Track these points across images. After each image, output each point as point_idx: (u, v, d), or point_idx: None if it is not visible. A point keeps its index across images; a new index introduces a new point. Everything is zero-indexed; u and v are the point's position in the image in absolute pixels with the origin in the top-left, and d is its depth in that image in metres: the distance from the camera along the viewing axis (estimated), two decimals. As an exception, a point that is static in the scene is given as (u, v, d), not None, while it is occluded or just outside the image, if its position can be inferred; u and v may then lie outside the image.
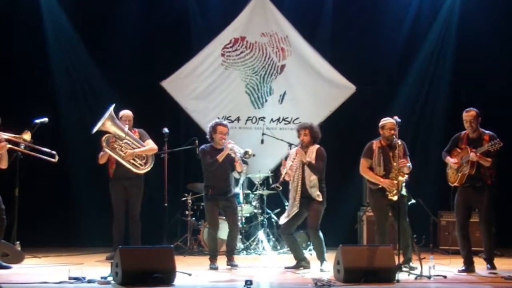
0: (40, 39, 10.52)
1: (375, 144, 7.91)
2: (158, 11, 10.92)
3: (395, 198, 7.56)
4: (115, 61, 10.75)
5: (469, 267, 7.72)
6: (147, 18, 10.92)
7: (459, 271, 7.67)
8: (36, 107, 9.35)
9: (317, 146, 8.09)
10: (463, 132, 7.92)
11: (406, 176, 7.71)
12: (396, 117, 7.63)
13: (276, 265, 8.45)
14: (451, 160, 7.87)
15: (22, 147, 8.15)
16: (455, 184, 7.87)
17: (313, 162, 7.92)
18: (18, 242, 8.83)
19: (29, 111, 9.04)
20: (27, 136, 8.00)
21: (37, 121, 8.34)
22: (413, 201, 8.49)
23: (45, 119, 8.44)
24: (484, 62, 10.75)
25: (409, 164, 7.73)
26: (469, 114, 7.79)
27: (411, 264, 7.70)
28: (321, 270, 7.74)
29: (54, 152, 8.36)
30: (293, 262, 8.15)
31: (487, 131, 7.79)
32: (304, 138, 8.07)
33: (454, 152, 7.91)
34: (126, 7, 10.84)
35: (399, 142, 7.68)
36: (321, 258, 7.90)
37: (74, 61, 10.72)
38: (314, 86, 11.31)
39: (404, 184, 7.70)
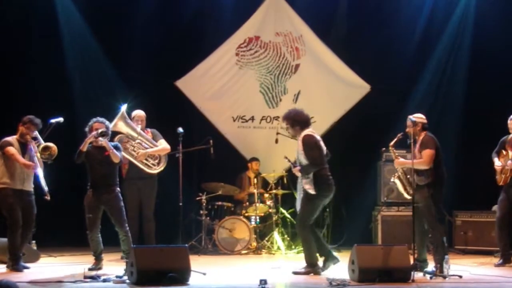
0: (55, 39, 10.57)
1: None
2: (173, 11, 10.93)
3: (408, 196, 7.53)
4: (129, 60, 10.78)
5: (506, 261, 7.93)
6: (161, 17, 10.94)
7: (496, 265, 7.91)
8: (51, 107, 9.36)
9: (303, 134, 7.46)
10: (510, 136, 8.19)
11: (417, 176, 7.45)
12: (410, 116, 7.55)
13: (290, 265, 8.43)
14: (495, 164, 8.30)
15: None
16: (501, 183, 8.23)
17: (302, 157, 7.34)
18: (34, 242, 8.90)
19: (44, 110, 9.05)
20: (53, 152, 8.00)
21: (53, 120, 8.35)
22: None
23: (61, 119, 8.43)
24: (501, 60, 10.63)
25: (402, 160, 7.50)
26: None
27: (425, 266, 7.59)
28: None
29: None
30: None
31: None
32: (289, 131, 7.59)
33: (501, 154, 8.31)
34: (141, 7, 10.87)
35: (427, 137, 7.62)
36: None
37: (88, 60, 10.76)
38: (328, 85, 11.28)
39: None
